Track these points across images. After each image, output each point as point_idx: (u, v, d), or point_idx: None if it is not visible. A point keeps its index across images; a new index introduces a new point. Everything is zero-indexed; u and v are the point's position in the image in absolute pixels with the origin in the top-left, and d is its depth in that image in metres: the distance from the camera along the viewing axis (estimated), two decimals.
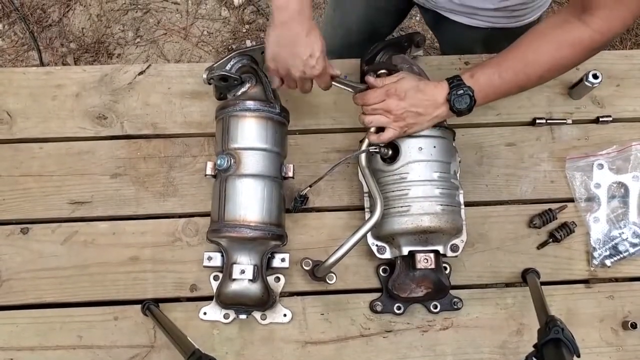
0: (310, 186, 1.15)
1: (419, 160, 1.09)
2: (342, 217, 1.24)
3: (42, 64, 2.40)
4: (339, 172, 1.26)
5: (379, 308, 1.18)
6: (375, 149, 1.11)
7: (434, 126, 1.10)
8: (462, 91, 1.04)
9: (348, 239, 1.05)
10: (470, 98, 1.04)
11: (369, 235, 1.16)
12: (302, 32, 1.01)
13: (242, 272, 1.10)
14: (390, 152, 1.11)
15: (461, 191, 1.16)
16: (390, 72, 1.12)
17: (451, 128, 1.16)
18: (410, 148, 1.09)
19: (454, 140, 1.17)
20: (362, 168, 1.12)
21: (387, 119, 1.07)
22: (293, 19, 1.00)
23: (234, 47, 2.49)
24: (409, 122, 1.07)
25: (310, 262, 1.14)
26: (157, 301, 1.17)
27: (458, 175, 1.15)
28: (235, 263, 1.11)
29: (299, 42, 1.01)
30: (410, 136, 1.09)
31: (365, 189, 1.19)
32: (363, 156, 1.12)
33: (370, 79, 1.11)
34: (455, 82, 1.05)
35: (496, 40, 1.28)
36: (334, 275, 1.19)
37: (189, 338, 1.00)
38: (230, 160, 1.11)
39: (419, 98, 1.06)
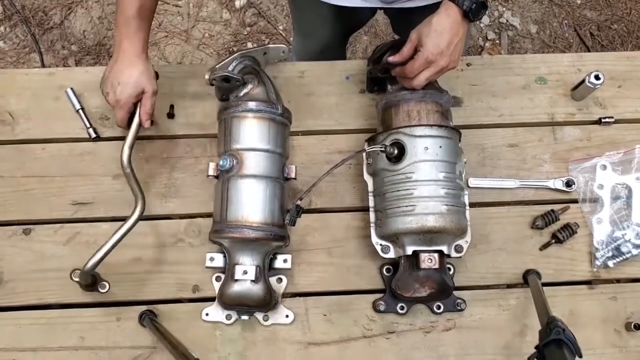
0: (300, 199, 1.09)
1: (424, 160, 1.09)
2: (344, 218, 1.24)
3: (43, 66, 2.40)
4: (341, 174, 1.26)
5: (382, 307, 1.17)
6: (381, 148, 1.11)
7: (440, 126, 1.11)
8: (474, 5, 1.06)
9: (110, 237, 1.05)
10: (482, 5, 1.07)
11: (373, 235, 1.15)
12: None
13: (245, 272, 1.10)
14: (395, 151, 1.11)
15: (466, 192, 1.16)
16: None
17: (457, 129, 1.16)
18: (416, 148, 1.09)
19: (459, 140, 1.16)
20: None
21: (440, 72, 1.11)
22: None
23: (235, 49, 2.49)
24: (456, 57, 1.10)
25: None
26: (159, 303, 1.17)
27: (463, 176, 1.15)
28: (237, 264, 1.11)
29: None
30: (416, 136, 1.09)
31: (370, 188, 1.18)
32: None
33: (399, 55, 1.13)
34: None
35: None
36: (106, 284, 1.10)
37: (189, 350, 0.99)
38: (233, 161, 1.11)
39: (446, 37, 1.07)
